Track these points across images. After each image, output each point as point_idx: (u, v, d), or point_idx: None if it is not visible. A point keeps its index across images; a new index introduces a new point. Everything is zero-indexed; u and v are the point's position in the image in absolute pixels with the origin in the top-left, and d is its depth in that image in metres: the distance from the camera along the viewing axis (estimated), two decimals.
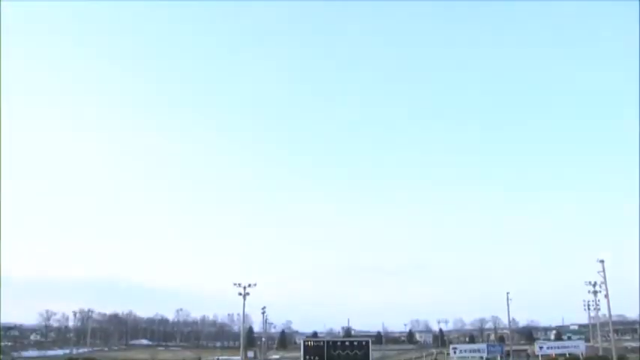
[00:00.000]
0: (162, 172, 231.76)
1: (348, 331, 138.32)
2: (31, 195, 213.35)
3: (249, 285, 69.20)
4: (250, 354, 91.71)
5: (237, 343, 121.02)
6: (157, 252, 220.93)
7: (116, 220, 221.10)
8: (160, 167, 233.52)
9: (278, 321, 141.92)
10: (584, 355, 75.13)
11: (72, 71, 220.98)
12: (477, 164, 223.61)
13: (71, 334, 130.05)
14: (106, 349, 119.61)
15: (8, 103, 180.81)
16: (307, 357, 68.48)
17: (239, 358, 77.92)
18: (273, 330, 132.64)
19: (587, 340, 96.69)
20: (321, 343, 72.18)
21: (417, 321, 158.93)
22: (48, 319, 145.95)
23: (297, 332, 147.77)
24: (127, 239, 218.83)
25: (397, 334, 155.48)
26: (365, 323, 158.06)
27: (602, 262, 55.10)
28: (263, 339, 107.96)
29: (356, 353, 68.75)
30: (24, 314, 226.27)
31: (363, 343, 71.83)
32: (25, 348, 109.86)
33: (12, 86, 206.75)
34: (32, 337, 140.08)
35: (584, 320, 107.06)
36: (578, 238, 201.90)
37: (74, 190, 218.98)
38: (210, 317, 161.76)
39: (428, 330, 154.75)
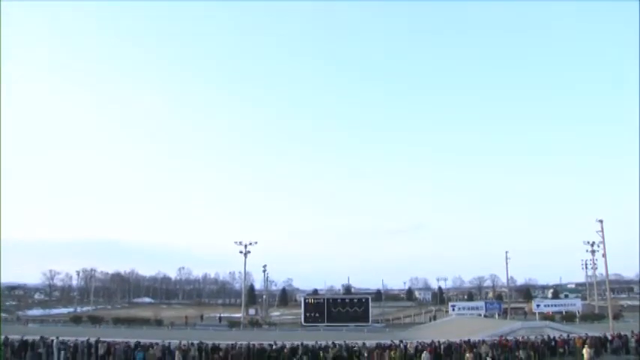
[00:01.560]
0: (162, 134, 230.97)
1: (348, 289, 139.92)
2: (32, 158, 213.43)
3: (250, 243, 69.52)
4: (252, 311, 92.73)
5: (238, 300, 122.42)
6: (158, 212, 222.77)
7: (118, 180, 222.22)
8: (161, 129, 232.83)
9: (279, 279, 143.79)
10: (580, 313, 76.05)
11: (68, 36, 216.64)
12: (477, 125, 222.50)
13: (75, 293, 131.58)
14: (110, 307, 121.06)
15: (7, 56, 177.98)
16: (308, 314, 69.74)
17: (240, 315, 78.73)
18: (274, 287, 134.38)
19: (583, 298, 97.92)
20: (322, 300, 73.64)
21: (417, 279, 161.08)
22: (52, 278, 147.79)
23: (297, 290, 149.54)
24: (129, 200, 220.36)
25: (396, 292, 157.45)
26: (365, 281, 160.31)
27: (600, 222, 55.10)
28: (264, 296, 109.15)
29: (356, 310, 70.01)
30: (28, 274, 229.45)
31: (363, 300, 73.36)
32: (29, 307, 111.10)
33: (9, 38, 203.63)
34: (36, 296, 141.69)
35: (582, 279, 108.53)
36: (577, 199, 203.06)
37: (76, 153, 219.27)
38: (212, 275, 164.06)
39: (427, 288, 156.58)
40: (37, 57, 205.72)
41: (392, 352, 31.72)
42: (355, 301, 72.26)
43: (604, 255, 57.14)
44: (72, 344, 35.85)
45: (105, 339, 37.30)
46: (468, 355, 32.68)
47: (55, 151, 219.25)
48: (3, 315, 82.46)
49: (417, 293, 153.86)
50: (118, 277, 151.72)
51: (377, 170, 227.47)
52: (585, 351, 33.79)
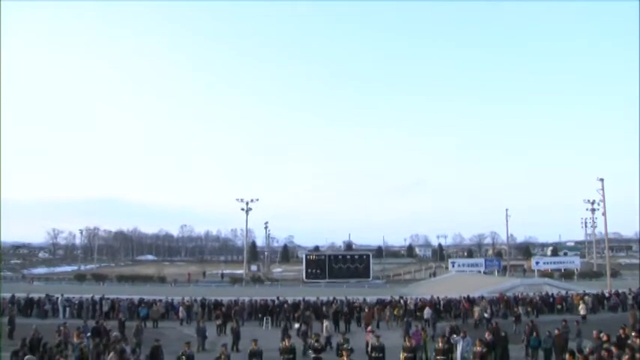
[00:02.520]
0: (163, 92, 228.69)
1: (349, 245, 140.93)
2: (34, 117, 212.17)
3: (252, 200, 69.55)
4: (253, 267, 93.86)
5: (240, 257, 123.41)
6: (160, 170, 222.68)
7: (120, 139, 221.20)
8: (161, 88, 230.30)
9: (280, 235, 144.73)
10: (578, 271, 76.82)
11: None
12: (477, 80, 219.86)
13: (78, 252, 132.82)
14: (113, 264, 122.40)
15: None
16: (309, 270, 70.39)
17: (242, 271, 79.59)
18: (275, 244, 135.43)
19: (582, 256, 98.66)
20: (323, 256, 74.20)
21: (417, 236, 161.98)
22: (55, 237, 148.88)
23: (299, 246, 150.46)
24: (131, 158, 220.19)
25: (397, 249, 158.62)
26: (365, 238, 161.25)
27: (601, 180, 55.09)
28: (266, 253, 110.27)
29: (356, 266, 70.65)
30: (32, 233, 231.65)
31: (364, 256, 73.94)
32: (34, 265, 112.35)
33: None
34: (40, 255, 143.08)
35: (581, 237, 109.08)
36: (578, 157, 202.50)
37: (78, 112, 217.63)
38: (214, 232, 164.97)
39: (427, 244, 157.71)
40: (38, 11, 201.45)
41: (395, 310, 32.02)
42: (356, 257, 72.79)
43: (604, 213, 57.38)
44: (77, 301, 36.37)
45: (109, 296, 37.78)
46: (475, 309, 33.16)
47: (57, 110, 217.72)
48: (9, 273, 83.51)
49: (417, 250, 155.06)
50: (120, 235, 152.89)
51: (377, 127, 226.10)
52: (581, 307, 34.32)
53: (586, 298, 37.83)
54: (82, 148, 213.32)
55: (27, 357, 14.65)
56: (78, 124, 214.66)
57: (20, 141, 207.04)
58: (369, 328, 23.73)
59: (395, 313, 30.81)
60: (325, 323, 26.43)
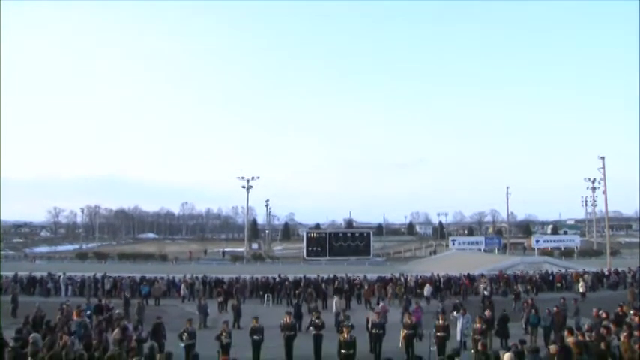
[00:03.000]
0: (165, 71, 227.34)
1: (349, 223, 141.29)
2: (35, 96, 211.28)
3: (252, 178, 69.53)
4: (254, 245, 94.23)
5: (241, 235, 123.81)
6: (161, 148, 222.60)
7: (121, 118, 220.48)
8: (163, 67, 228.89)
9: (281, 213, 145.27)
10: (578, 249, 77.06)
11: None
12: (478, 60, 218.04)
13: (80, 230, 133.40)
14: (114, 243, 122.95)
15: None
16: (310, 248, 70.69)
17: (243, 249, 79.93)
18: (276, 222, 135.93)
19: (582, 235, 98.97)
20: (324, 234, 74.45)
21: (418, 213, 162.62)
22: (56, 215, 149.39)
23: (299, 224, 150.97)
24: (132, 137, 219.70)
25: (398, 226, 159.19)
26: (366, 215, 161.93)
27: (602, 159, 55.02)
28: (267, 231, 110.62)
29: (357, 244, 70.92)
30: (33, 212, 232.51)
31: (365, 234, 74.18)
32: (36, 244, 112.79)
33: None
34: (42, 234, 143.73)
35: (581, 216, 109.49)
36: (579, 136, 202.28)
37: (79, 90, 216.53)
38: (215, 210, 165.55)
39: (428, 222, 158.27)
40: None
41: (397, 288, 32.12)
42: (357, 235, 73.04)
43: (604, 192, 57.40)
44: (79, 279, 36.58)
45: (111, 274, 37.99)
46: (482, 285, 33.36)
47: (58, 88, 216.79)
48: (11, 252, 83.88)
49: (417, 228, 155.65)
50: (122, 214, 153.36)
51: (378, 105, 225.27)
52: (580, 285, 34.55)
53: (585, 276, 38.05)
54: (83, 126, 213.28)
55: (32, 335, 14.71)
56: (79, 103, 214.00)
57: (20, 120, 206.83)
58: (378, 307, 23.63)
59: (396, 290, 30.97)
60: (335, 300, 26.59)
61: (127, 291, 32.45)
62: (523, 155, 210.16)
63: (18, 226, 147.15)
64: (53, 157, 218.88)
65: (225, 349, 16.39)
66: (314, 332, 18.37)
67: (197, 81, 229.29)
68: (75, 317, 19.39)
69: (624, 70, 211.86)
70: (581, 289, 33.64)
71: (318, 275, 37.99)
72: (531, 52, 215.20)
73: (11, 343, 14.58)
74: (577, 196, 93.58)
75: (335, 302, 26.05)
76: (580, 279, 36.36)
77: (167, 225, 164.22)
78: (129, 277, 37.03)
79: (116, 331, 16.06)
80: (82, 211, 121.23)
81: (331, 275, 38.04)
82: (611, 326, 15.34)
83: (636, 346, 11.75)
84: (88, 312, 20.83)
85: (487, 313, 20.19)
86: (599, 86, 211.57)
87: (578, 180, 73.71)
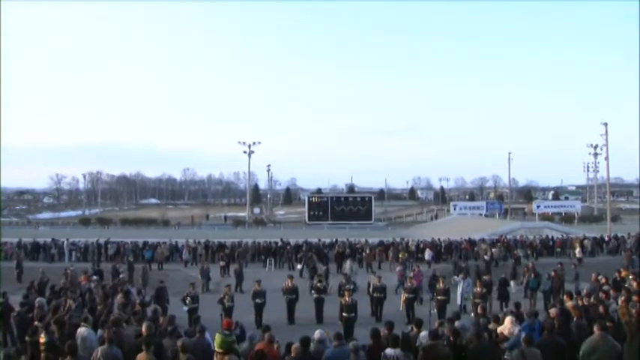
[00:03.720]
0: (166, 35, 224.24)
1: (351, 188, 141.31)
2: (35, 62, 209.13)
3: (254, 143, 69.35)
4: (256, 210, 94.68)
5: (243, 200, 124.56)
6: (162, 114, 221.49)
7: (121, 83, 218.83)
8: (165, 30, 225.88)
9: (283, 178, 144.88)
10: (579, 215, 77.24)
11: None
12: (479, 24, 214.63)
13: (82, 196, 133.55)
14: (117, 208, 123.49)
15: None
16: (312, 212, 70.96)
17: (245, 214, 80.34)
18: (278, 187, 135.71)
19: (583, 200, 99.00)
20: (325, 199, 74.58)
21: (419, 178, 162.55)
22: (59, 182, 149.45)
23: (301, 189, 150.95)
24: (133, 102, 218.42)
25: (399, 191, 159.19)
26: (368, 180, 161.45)
27: (605, 124, 54.62)
28: (268, 195, 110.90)
29: (359, 209, 71.12)
30: (36, 179, 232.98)
31: (366, 199, 74.32)
32: (39, 210, 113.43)
33: None
34: (45, 200, 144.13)
35: (582, 182, 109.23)
36: (581, 102, 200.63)
37: (79, 55, 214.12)
38: (217, 176, 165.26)
39: (429, 187, 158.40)
40: None
41: (400, 253, 32.18)
42: (358, 199, 73.15)
43: (606, 158, 57.16)
44: (82, 245, 36.84)
45: (114, 239, 38.25)
46: (493, 250, 33.55)
47: (58, 54, 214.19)
48: (14, 219, 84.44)
49: (419, 193, 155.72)
50: (123, 180, 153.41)
51: (380, 70, 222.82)
52: (577, 249, 34.83)
53: (585, 241, 38.23)
54: (84, 92, 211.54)
55: (37, 299, 14.88)
56: (79, 68, 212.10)
57: (21, 86, 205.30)
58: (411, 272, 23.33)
59: (400, 256, 31.00)
60: (348, 263, 26.72)
61: (130, 256, 32.73)
62: (525, 121, 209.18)
63: (21, 193, 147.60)
64: (54, 124, 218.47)
65: (227, 312, 16.59)
66: (315, 296, 18.56)
67: (198, 46, 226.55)
68: (83, 282, 19.58)
69: (627, 34, 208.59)
70: (578, 254, 33.96)
71: (320, 240, 38.25)
72: (532, 16, 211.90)
73: (17, 308, 14.78)
74: (579, 162, 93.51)
75: (349, 266, 26.20)
76: (577, 244, 36.63)
77: (169, 190, 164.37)
78: (132, 242, 37.31)
79: (119, 295, 16.21)
80: (84, 178, 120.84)
81: (333, 240, 38.26)
82: (610, 291, 15.45)
83: (633, 311, 11.83)
84: (95, 277, 21.00)
85: (487, 277, 20.43)
86: (603, 51, 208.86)
87: (581, 146, 73.88)
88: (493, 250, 33.79)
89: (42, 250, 36.30)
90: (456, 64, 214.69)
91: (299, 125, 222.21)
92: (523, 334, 10.58)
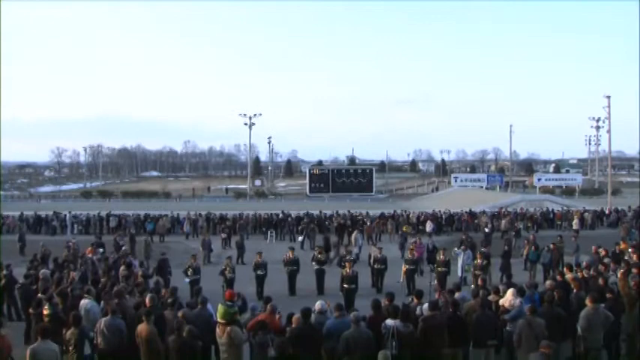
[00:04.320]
0: (165, 9, 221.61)
1: (352, 160, 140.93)
2: (36, 35, 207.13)
3: (255, 115, 69.01)
4: (257, 182, 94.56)
5: (244, 172, 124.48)
6: (163, 86, 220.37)
7: (121, 56, 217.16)
8: (162, 2, 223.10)
9: (284, 150, 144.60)
10: (580, 188, 77.19)
11: None
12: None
13: (83, 169, 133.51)
14: (118, 181, 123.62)
15: None
16: (313, 184, 70.75)
17: (246, 186, 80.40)
18: (279, 159, 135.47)
19: (584, 173, 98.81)
20: (326, 171, 74.23)
21: (420, 151, 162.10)
22: (59, 155, 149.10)
23: (302, 161, 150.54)
24: (133, 75, 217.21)
25: (400, 163, 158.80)
26: (369, 152, 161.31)
27: (608, 97, 54.23)
28: (269, 168, 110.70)
29: (360, 181, 70.90)
30: (36, 152, 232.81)
31: (367, 171, 73.98)
32: (40, 184, 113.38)
33: None
34: (46, 174, 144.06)
35: (584, 155, 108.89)
36: (583, 75, 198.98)
37: (79, 28, 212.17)
38: (217, 148, 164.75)
39: (430, 160, 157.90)
40: None
41: (405, 227, 32.05)
42: (359, 171, 72.79)
43: (608, 131, 56.97)
44: (84, 218, 36.98)
45: (115, 212, 38.38)
46: (502, 221, 33.60)
47: (59, 26, 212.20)
48: (16, 192, 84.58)
49: (420, 165, 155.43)
50: (124, 152, 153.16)
51: (381, 43, 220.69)
52: (575, 221, 34.97)
53: (586, 214, 38.30)
54: (84, 65, 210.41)
55: (41, 272, 15.00)
56: (80, 40, 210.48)
57: (22, 60, 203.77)
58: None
59: (404, 229, 30.85)
60: (354, 235, 26.80)
61: (132, 228, 32.85)
62: (527, 93, 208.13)
63: (22, 167, 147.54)
64: (55, 97, 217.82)
65: (229, 284, 16.72)
66: (316, 267, 18.67)
67: (199, 19, 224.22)
68: (88, 254, 19.68)
69: (631, 9, 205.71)
70: (575, 226, 34.13)
71: (321, 212, 38.35)
72: None
73: (21, 280, 14.90)
74: (580, 135, 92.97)
75: (354, 238, 26.27)
76: (574, 216, 36.74)
77: (170, 163, 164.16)
78: (133, 214, 37.44)
79: (122, 267, 16.32)
80: (85, 151, 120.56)
81: (334, 211, 38.37)
82: (610, 263, 15.52)
83: (632, 283, 11.90)
84: (101, 250, 21.10)
85: (487, 249, 20.52)
86: (606, 25, 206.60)
87: (583, 118, 73.32)
88: (502, 221, 33.83)
89: (44, 223, 36.45)
90: (459, 37, 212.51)
91: (300, 97, 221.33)
92: (525, 306, 10.69)
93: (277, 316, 9.94)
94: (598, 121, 67.12)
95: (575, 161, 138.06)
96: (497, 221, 35.52)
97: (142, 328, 9.20)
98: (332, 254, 22.78)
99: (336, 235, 30.65)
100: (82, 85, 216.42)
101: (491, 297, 11.43)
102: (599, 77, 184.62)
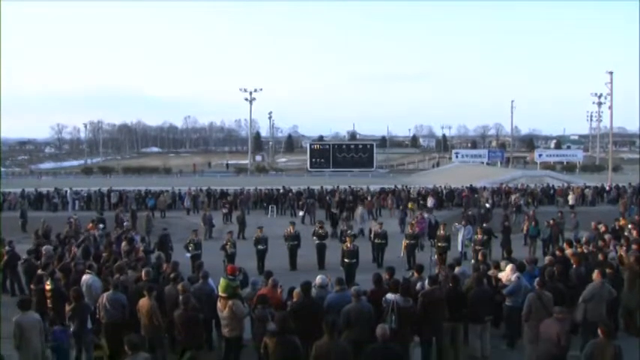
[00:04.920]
0: None
1: (353, 135, 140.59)
2: (36, 10, 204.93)
3: (255, 90, 68.62)
4: (258, 158, 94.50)
5: (245, 147, 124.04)
6: (163, 62, 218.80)
7: (121, 31, 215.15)
8: None
9: (284, 125, 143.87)
10: (581, 164, 77.04)
11: None
12: None
13: (84, 146, 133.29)
14: (119, 157, 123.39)
15: None
16: (314, 160, 70.84)
17: (247, 161, 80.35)
18: (279, 134, 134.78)
19: (585, 150, 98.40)
20: (327, 146, 74.28)
21: (421, 126, 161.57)
22: (60, 132, 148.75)
23: (303, 136, 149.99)
24: (133, 51, 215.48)
25: (401, 139, 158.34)
26: (370, 128, 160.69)
27: (610, 73, 53.76)
28: (270, 143, 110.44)
29: (360, 156, 70.96)
30: (37, 128, 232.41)
31: (368, 146, 74.04)
32: (41, 160, 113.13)
33: None
34: (47, 150, 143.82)
35: (585, 131, 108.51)
36: (584, 51, 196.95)
37: (80, 4, 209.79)
38: (218, 123, 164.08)
39: (431, 135, 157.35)
40: None
41: (410, 204, 31.96)
42: (360, 147, 72.79)
43: (610, 107, 56.68)
44: (85, 194, 37.03)
45: (116, 188, 38.40)
46: (512, 196, 33.47)
47: (58, 2, 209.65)
48: (17, 169, 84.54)
49: (421, 140, 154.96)
50: (125, 128, 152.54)
51: (382, 17, 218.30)
52: (570, 196, 35.06)
53: (586, 190, 38.28)
54: (84, 41, 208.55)
55: (44, 247, 15.06)
56: (79, 16, 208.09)
57: (22, 35, 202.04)
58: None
59: (410, 207, 30.66)
60: (359, 211, 26.84)
61: (133, 204, 32.89)
62: (529, 69, 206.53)
63: (22, 143, 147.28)
64: (55, 73, 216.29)
65: (230, 258, 16.80)
66: (317, 242, 18.73)
67: None
68: (91, 230, 19.75)
69: None
70: (570, 202, 34.11)
71: (322, 187, 38.37)
72: None
73: (24, 256, 14.98)
74: (582, 112, 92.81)
75: (359, 214, 26.33)
76: (570, 191, 36.76)
77: (170, 139, 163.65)
78: (134, 190, 37.47)
79: (124, 243, 16.39)
80: (85, 127, 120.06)
81: (335, 187, 38.39)
82: (610, 239, 15.57)
83: (632, 259, 11.96)
84: (102, 225, 21.16)
85: (488, 224, 20.59)
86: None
87: (584, 95, 73.19)
88: (512, 197, 33.88)
89: (45, 200, 36.48)
90: (460, 12, 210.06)
91: (301, 72, 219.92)
92: (524, 281, 10.77)
93: (279, 291, 10.00)
94: (600, 97, 66.83)
95: (576, 137, 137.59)
96: (497, 197, 35.57)
97: (143, 302, 9.28)
98: (340, 227, 22.73)
99: (337, 210, 30.74)
100: (82, 61, 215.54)
101: (491, 272, 11.51)
102: (601, 53, 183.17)
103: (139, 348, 7.04)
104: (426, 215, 23.84)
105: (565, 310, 8.48)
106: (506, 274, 11.11)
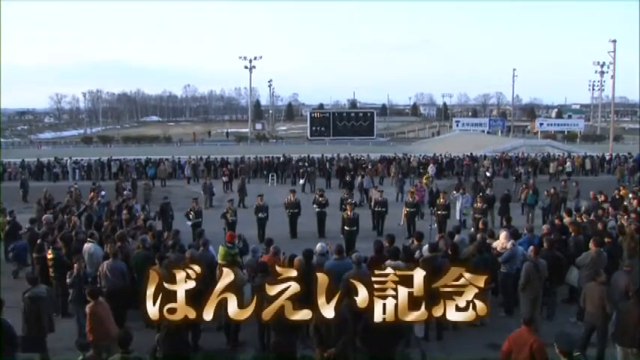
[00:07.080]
0: None
1: (353, 104, 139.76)
2: None
3: (255, 58, 67.99)
4: (258, 126, 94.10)
5: (245, 116, 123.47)
6: (162, 30, 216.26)
7: (120, 1, 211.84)
8: None
9: (284, 94, 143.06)
10: (582, 133, 76.72)
11: None
12: None
13: (83, 115, 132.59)
14: (119, 127, 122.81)
15: None
16: (314, 128, 70.69)
17: (247, 130, 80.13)
18: (280, 103, 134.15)
19: (587, 119, 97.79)
20: (328, 114, 74.02)
21: (422, 94, 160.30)
22: (59, 102, 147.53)
23: (303, 104, 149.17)
24: (131, 19, 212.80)
25: (401, 107, 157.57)
26: (370, 96, 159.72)
27: (614, 42, 53.01)
28: (270, 111, 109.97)
29: (361, 124, 70.77)
30: (36, 98, 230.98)
31: (368, 114, 73.75)
32: (40, 130, 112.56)
33: None
34: (46, 120, 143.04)
35: (587, 100, 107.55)
36: (586, 19, 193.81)
37: None
38: (218, 92, 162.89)
39: (432, 103, 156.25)
40: None
41: (424, 177, 31.35)
42: (360, 115, 72.56)
43: (613, 76, 56.08)
44: (85, 164, 37.00)
45: (116, 157, 38.34)
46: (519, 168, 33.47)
47: None
48: (17, 139, 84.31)
49: (421, 109, 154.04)
50: (124, 98, 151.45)
51: None
52: (567, 164, 35.26)
53: (586, 160, 38.21)
54: (83, 11, 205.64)
55: (44, 217, 15.12)
56: None
57: (20, 5, 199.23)
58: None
59: (424, 180, 29.96)
60: (361, 180, 26.85)
61: (134, 173, 32.90)
62: (531, 37, 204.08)
63: (21, 113, 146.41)
64: (54, 43, 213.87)
65: (230, 226, 16.85)
66: (317, 210, 18.77)
67: None
68: (92, 198, 19.75)
69: None
70: (568, 169, 34.08)
71: (322, 155, 38.33)
72: None
73: (26, 226, 15.03)
74: (584, 81, 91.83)
75: (361, 182, 26.36)
76: (567, 160, 36.71)
77: (170, 107, 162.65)
78: (134, 159, 37.43)
79: (124, 212, 16.43)
80: (85, 97, 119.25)
81: (335, 154, 38.32)
82: (609, 209, 15.61)
83: (632, 227, 12.02)
84: (103, 193, 21.15)
85: (489, 191, 20.61)
86: None
87: (586, 64, 72.49)
88: (521, 168, 33.75)
89: (46, 170, 36.47)
90: None
91: (301, 39, 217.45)
92: (520, 248, 10.84)
93: (282, 258, 10.07)
94: (602, 66, 66.12)
95: (577, 107, 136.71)
96: (498, 165, 35.50)
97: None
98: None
99: (337, 178, 30.72)
100: (80, 31, 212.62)
101: (487, 240, 11.56)
102: (604, 21, 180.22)
103: (89, 348, 7.20)
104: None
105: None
106: (500, 242, 11.19)
